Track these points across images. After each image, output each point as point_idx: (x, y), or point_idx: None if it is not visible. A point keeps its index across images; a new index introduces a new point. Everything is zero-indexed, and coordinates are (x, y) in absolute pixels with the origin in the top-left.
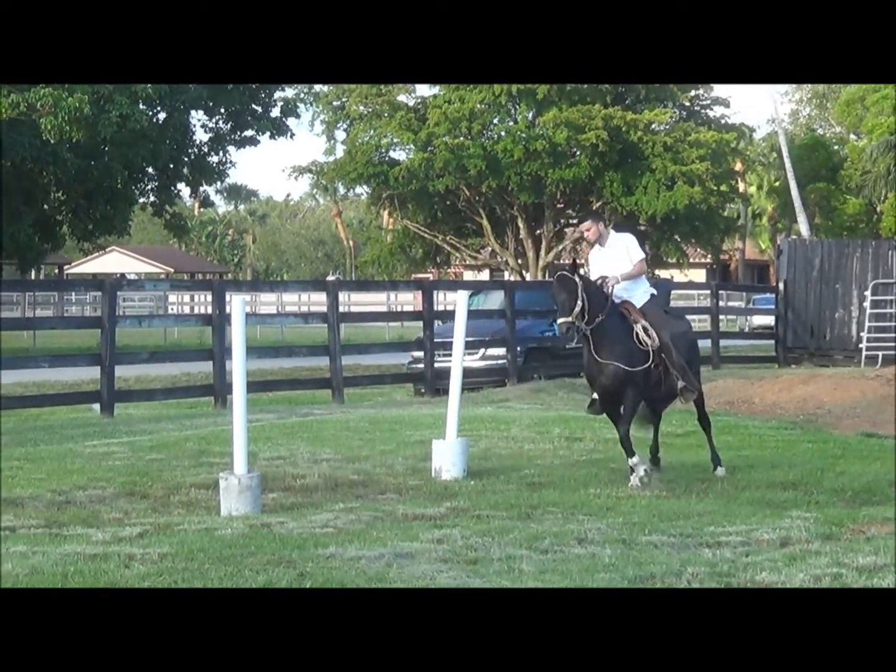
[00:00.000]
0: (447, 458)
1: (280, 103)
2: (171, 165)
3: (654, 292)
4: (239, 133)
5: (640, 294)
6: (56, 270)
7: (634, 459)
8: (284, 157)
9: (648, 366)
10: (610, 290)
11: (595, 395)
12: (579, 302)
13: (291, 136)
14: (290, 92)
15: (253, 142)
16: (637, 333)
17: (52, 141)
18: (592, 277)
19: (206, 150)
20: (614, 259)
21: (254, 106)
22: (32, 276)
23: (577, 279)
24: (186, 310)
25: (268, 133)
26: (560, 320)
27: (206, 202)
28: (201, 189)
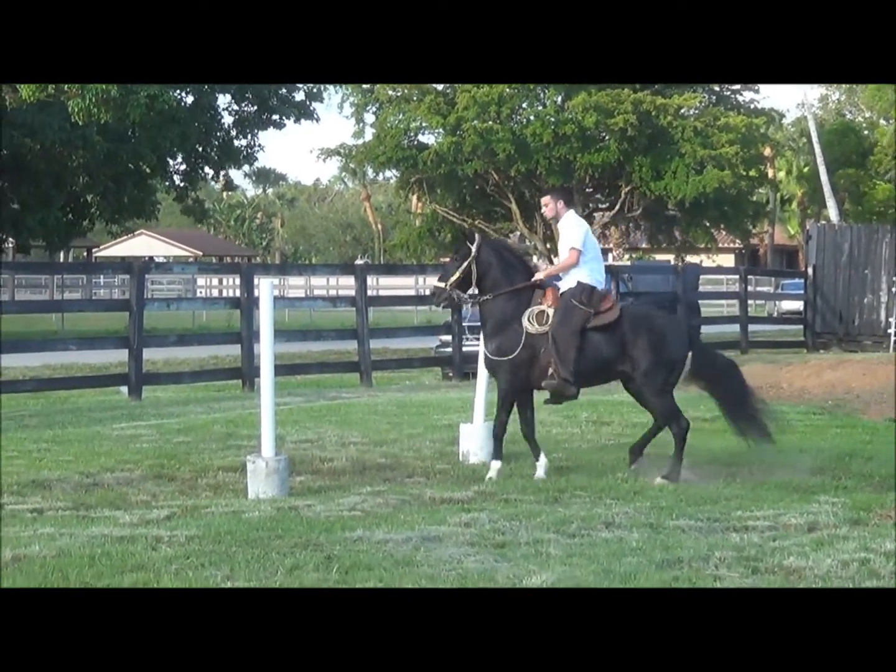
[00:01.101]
0: (475, 442)
1: (305, 87)
2: (200, 149)
3: (589, 281)
4: (265, 116)
5: (568, 279)
6: (84, 253)
7: (494, 463)
8: (313, 140)
9: (517, 353)
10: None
11: None
12: (459, 272)
13: (317, 120)
14: None
15: (278, 125)
16: (528, 317)
17: (80, 123)
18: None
19: (233, 133)
20: (561, 241)
21: (279, 90)
22: (61, 259)
23: (472, 248)
24: (215, 293)
25: (293, 117)
26: (433, 283)
27: (229, 185)
28: (222, 172)
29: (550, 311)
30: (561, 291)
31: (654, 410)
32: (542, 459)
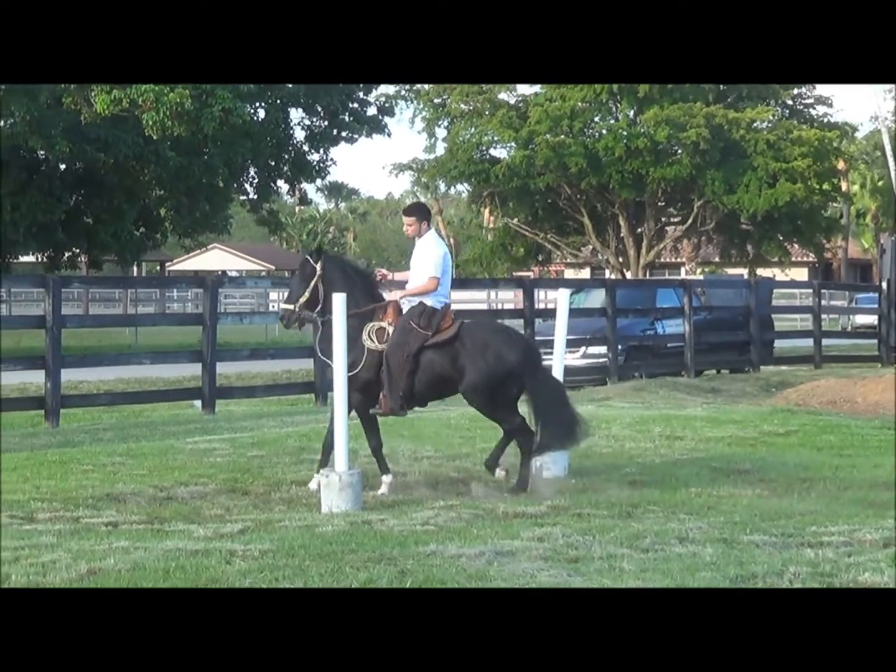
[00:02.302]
0: (548, 457)
1: (377, 102)
2: (272, 163)
3: (431, 304)
4: (336, 132)
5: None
6: (158, 267)
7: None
8: (385, 154)
9: (357, 371)
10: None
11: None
12: (307, 293)
13: (388, 135)
14: (389, 90)
15: (350, 140)
16: (367, 333)
17: (154, 137)
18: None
19: (305, 148)
20: (415, 261)
21: (351, 104)
22: (134, 273)
23: (317, 267)
24: None
25: (364, 132)
26: (282, 306)
27: (304, 199)
28: (298, 186)
29: (389, 329)
30: (402, 310)
31: (498, 423)
32: (389, 478)
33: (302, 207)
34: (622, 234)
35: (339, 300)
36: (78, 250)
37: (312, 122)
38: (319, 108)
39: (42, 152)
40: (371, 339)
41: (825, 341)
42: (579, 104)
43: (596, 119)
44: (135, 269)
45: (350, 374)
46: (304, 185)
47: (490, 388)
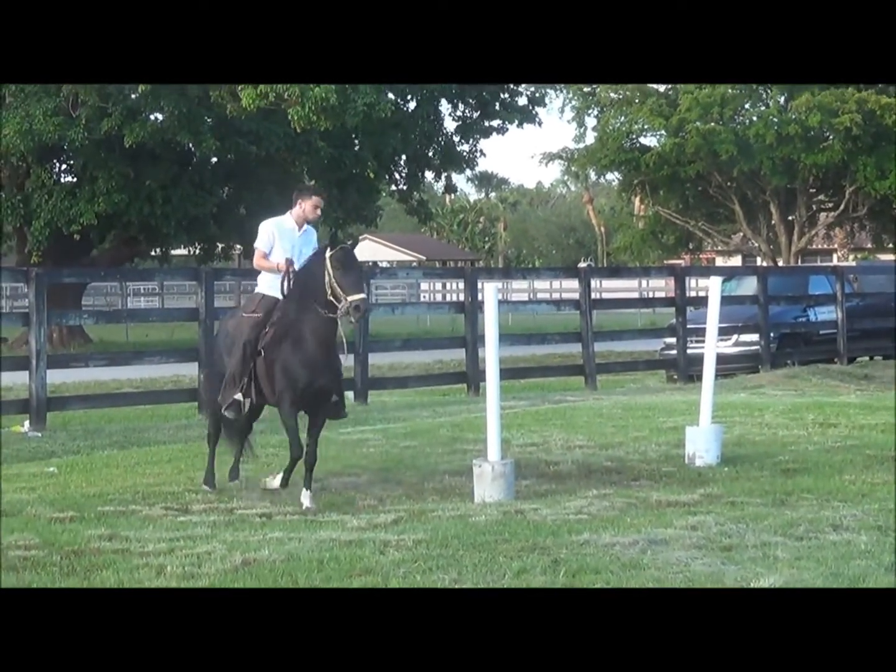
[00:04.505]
0: (701, 445)
1: (528, 92)
2: (422, 154)
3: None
4: (487, 122)
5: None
6: None
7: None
8: (535, 143)
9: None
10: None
11: None
12: None
13: (539, 125)
14: None
15: (501, 130)
16: None
17: (298, 130)
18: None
19: (455, 138)
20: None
21: (502, 94)
22: None
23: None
24: (438, 297)
25: (515, 122)
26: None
27: (450, 188)
28: (446, 175)
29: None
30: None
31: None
32: (276, 479)
33: (452, 197)
34: (773, 222)
35: (490, 290)
36: (230, 243)
37: (463, 112)
38: (470, 99)
39: (191, 146)
40: None
41: None
42: (729, 91)
43: (746, 106)
44: None
45: None
46: (453, 175)
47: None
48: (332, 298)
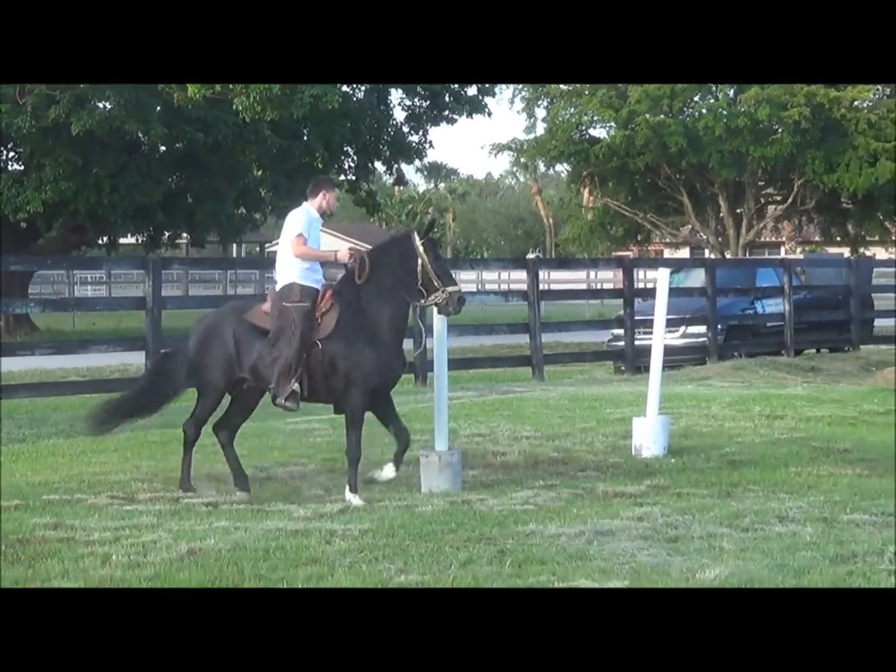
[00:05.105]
0: (648, 436)
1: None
2: (371, 144)
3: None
4: (436, 112)
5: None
6: (257, 248)
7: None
8: (484, 134)
9: None
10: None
11: None
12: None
13: (489, 115)
14: None
15: (450, 121)
16: None
17: (246, 119)
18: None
19: (404, 129)
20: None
21: (451, 85)
22: (234, 254)
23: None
24: None
25: (465, 112)
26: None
27: (400, 179)
28: (395, 166)
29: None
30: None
31: None
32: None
33: (400, 188)
34: (722, 214)
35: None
36: (177, 231)
37: (412, 102)
38: (420, 90)
39: (140, 134)
40: None
41: None
42: (679, 84)
43: (696, 98)
44: (234, 249)
45: None
46: (402, 166)
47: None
48: (421, 287)
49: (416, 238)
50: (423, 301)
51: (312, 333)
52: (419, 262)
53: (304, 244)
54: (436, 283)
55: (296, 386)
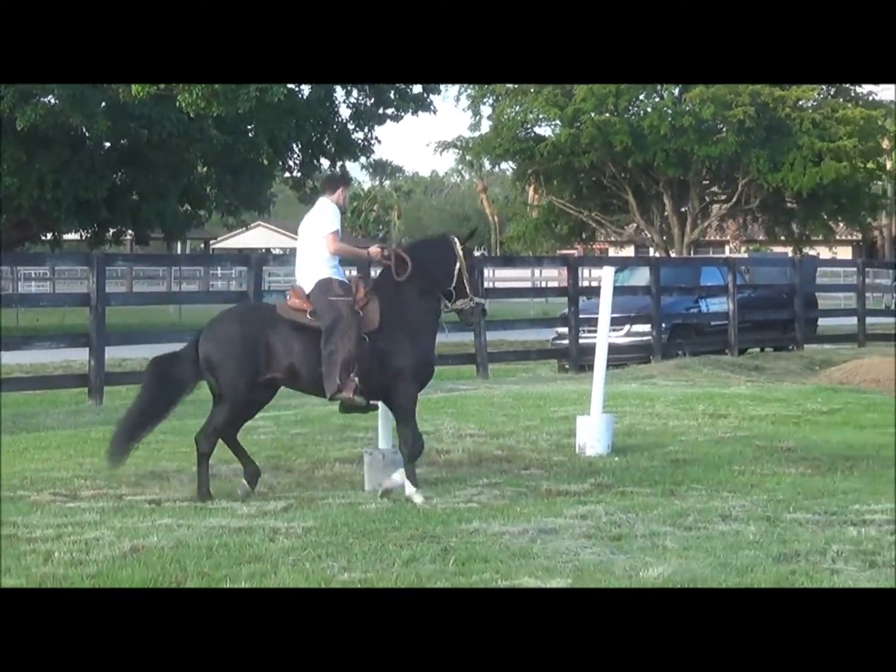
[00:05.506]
0: (592, 435)
1: None
2: (316, 141)
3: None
4: (382, 109)
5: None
6: (202, 245)
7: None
8: (429, 132)
9: None
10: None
11: None
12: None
13: (434, 113)
14: None
15: (396, 118)
16: None
17: (190, 115)
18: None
19: (350, 126)
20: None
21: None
22: (178, 251)
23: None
24: None
25: (410, 110)
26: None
27: (343, 177)
28: (339, 163)
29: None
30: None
31: None
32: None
33: None
34: (666, 213)
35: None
36: (122, 228)
37: (357, 99)
38: (365, 87)
39: (84, 130)
40: None
41: (869, 319)
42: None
43: (641, 97)
44: (179, 246)
45: None
46: (347, 163)
47: None
48: (452, 289)
49: (457, 243)
50: (449, 304)
51: (362, 327)
52: (457, 266)
53: (338, 241)
54: (467, 290)
55: (357, 380)
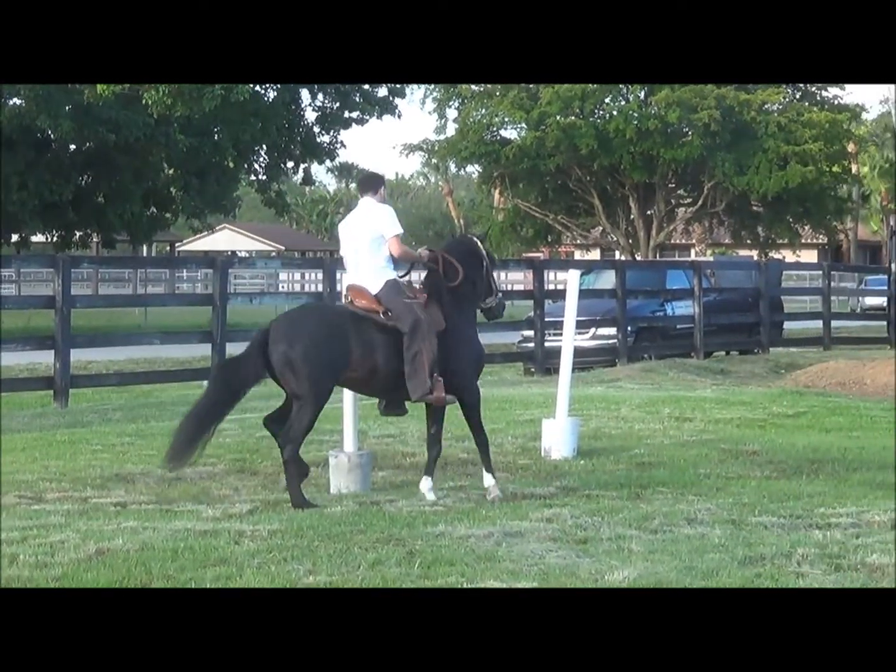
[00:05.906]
0: (557, 438)
1: (387, 83)
2: (281, 144)
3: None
4: (347, 113)
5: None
6: (167, 248)
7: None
8: (395, 135)
9: None
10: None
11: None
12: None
13: (399, 116)
14: None
15: (361, 121)
16: None
17: (155, 116)
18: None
19: (315, 129)
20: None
21: (361, 85)
22: (144, 254)
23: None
24: (297, 287)
25: (375, 113)
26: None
27: (307, 179)
28: (303, 166)
29: None
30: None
31: None
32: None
33: (310, 188)
34: (632, 216)
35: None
36: (88, 230)
37: (323, 103)
38: (330, 89)
39: (50, 132)
40: None
41: (834, 323)
42: (590, 85)
43: (607, 100)
44: (145, 249)
45: None
46: (313, 166)
47: None
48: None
49: (480, 243)
50: (480, 303)
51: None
52: (484, 265)
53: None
54: (493, 287)
55: (441, 380)
